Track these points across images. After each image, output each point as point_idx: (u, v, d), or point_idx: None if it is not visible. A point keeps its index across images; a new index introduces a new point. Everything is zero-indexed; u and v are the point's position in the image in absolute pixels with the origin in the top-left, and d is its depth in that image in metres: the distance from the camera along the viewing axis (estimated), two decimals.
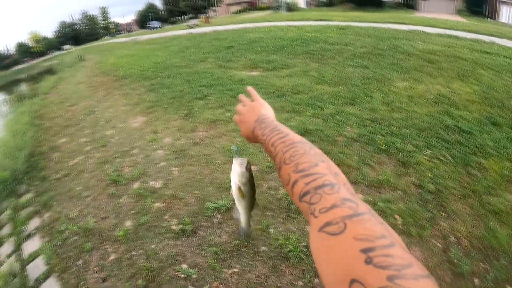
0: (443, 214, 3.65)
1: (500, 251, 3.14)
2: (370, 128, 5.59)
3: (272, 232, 3.40)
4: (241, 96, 1.12)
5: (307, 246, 3.11)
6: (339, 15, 22.40)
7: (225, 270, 3.08)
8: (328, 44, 12.12)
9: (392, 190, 4.06)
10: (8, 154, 6.77)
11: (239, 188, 0.99)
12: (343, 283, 0.40)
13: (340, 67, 9.53)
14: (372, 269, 0.39)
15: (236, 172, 0.98)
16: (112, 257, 3.58)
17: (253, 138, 0.94)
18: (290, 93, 7.61)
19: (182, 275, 3.11)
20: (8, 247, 4.59)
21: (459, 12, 34.45)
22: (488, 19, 30.59)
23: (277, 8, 46.23)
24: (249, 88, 1.11)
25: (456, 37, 13.23)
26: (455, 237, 3.34)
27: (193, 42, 18.83)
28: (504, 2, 30.64)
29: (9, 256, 4.32)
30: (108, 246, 3.75)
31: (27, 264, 4.01)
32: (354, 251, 0.42)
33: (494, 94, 6.85)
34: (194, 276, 3.08)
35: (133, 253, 3.54)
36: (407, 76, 8.31)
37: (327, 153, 4.74)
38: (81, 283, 3.39)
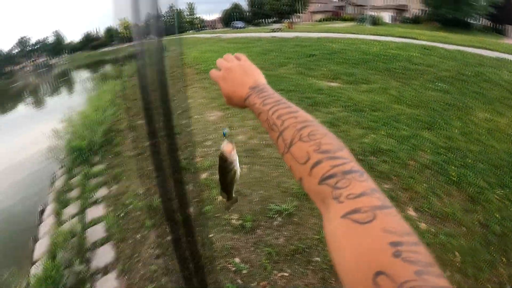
0: (504, 259, 3.44)
1: None
2: (444, 156, 5.36)
3: None
4: (227, 55, 1.01)
5: None
6: (424, 34, 21.57)
7: (275, 272, 3.08)
8: (411, 64, 11.75)
9: (456, 225, 3.86)
10: (88, 126, 7.26)
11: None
12: (367, 274, 0.39)
13: (421, 89, 9.21)
14: (400, 263, 0.38)
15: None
16: (170, 237, 3.70)
17: (240, 102, 0.88)
18: (367, 109, 7.46)
19: (233, 268, 3.16)
20: (73, 208, 4.94)
21: None
22: None
23: (361, 20, 45.55)
24: (238, 54, 1.01)
25: None
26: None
27: (275, 45, 19.03)
28: None
29: (72, 217, 4.62)
30: (167, 227, 3.88)
31: (88, 228, 4.31)
32: (382, 243, 0.41)
33: None
34: (244, 271, 3.11)
35: (190, 238, 3.63)
36: (490, 107, 7.87)
37: (397, 175, 4.61)
38: (135, 255, 3.58)
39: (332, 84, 10.10)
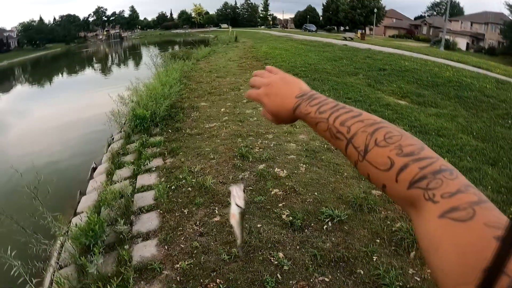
0: None
1: None
2: (504, 197, 5.06)
3: (374, 259, 3.24)
4: (256, 71, 0.93)
5: (403, 287, 2.91)
6: (499, 68, 20.37)
7: (316, 274, 3.02)
8: (483, 96, 11.20)
9: None
10: (153, 98, 7.48)
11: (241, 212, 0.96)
12: (475, 271, 0.36)
13: (490, 122, 8.74)
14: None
15: (241, 197, 0.93)
16: (217, 219, 3.74)
17: (288, 116, 0.80)
18: (433, 133, 7.24)
19: (275, 262, 3.13)
20: (126, 171, 5.10)
21: None
22: None
23: (435, 43, 44.18)
24: (269, 67, 0.92)
25: None
26: None
27: (346, 54, 18.90)
28: None
29: (124, 179, 4.75)
30: (216, 208, 3.93)
31: (137, 193, 4.42)
32: (487, 238, 0.38)
33: None
34: (285, 267, 3.07)
35: None
36: None
37: None
38: (179, 228, 3.63)
39: (401, 101, 9.90)
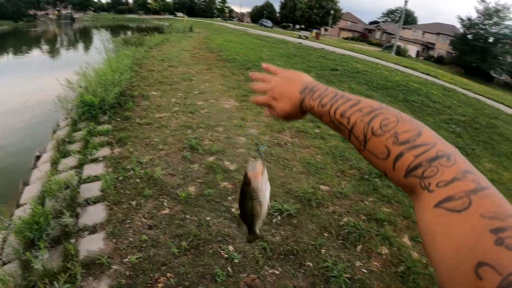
0: None
1: None
2: None
3: (323, 252, 3.32)
4: (254, 73, 0.96)
5: (351, 279, 3.01)
6: (446, 76, 21.57)
7: (266, 267, 3.05)
8: (430, 101, 11.77)
9: None
10: (102, 85, 7.17)
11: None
12: (467, 266, 0.36)
13: (435, 126, 9.19)
14: (504, 251, 0.34)
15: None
16: (166, 211, 3.67)
17: (298, 113, 0.83)
18: None
19: (226, 255, 3.13)
20: (71, 161, 4.86)
21: None
22: None
23: (387, 48, 45.93)
24: (266, 65, 0.98)
25: None
26: None
27: (300, 52, 19.23)
28: None
29: (69, 169, 4.54)
30: (165, 201, 3.85)
31: (83, 183, 4.22)
32: (482, 230, 0.37)
33: None
34: (236, 260, 3.07)
35: (187, 216, 3.61)
36: (496, 159, 7.76)
37: (398, 202, 4.62)
38: (127, 220, 3.51)
39: None
